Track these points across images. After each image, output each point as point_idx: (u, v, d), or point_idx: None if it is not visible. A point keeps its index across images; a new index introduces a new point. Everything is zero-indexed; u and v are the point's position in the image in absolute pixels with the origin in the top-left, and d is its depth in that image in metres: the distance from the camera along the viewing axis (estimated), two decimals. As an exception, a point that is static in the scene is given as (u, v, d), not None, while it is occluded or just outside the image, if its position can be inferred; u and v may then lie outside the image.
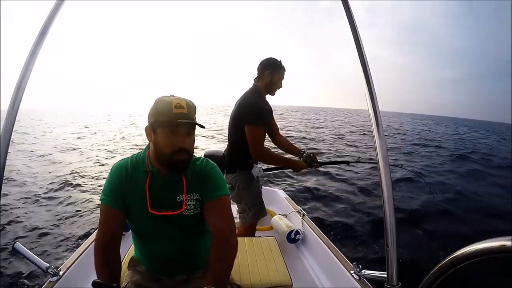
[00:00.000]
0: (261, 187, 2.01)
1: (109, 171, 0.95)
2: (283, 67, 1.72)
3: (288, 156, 1.99)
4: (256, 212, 1.77)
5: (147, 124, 0.90)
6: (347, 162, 2.09)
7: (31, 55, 0.98)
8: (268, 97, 1.79)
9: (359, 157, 2.14)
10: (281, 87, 1.77)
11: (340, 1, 1.00)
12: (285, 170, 2.17)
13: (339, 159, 2.19)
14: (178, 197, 0.91)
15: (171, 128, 0.85)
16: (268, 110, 1.77)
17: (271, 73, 1.69)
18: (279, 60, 1.72)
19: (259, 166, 1.81)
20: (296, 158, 1.94)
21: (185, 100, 0.87)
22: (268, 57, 1.74)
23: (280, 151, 2.08)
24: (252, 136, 1.62)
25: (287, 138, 2.06)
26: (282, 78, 1.74)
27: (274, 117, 1.91)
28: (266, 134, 1.84)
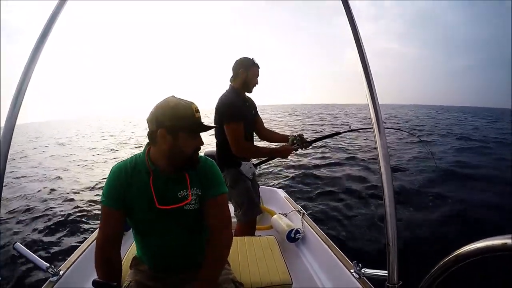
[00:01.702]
0: (258, 186, 2.01)
1: (108, 173, 0.96)
2: (256, 64, 1.78)
3: (271, 145, 1.99)
4: (246, 210, 1.78)
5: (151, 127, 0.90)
6: (338, 133, 2.10)
7: (32, 58, 0.97)
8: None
9: (350, 126, 2.12)
10: (257, 83, 1.81)
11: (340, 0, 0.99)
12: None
13: (328, 133, 2.16)
14: (179, 193, 0.94)
15: (194, 132, 0.90)
16: (248, 106, 1.82)
17: (245, 71, 1.75)
18: (251, 58, 1.78)
19: (249, 162, 1.83)
20: (282, 144, 1.94)
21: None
22: (241, 56, 1.79)
23: (269, 143, 2.10)
24: (231, 134, 1.67)
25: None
26: (257, 75, 1.80)
27: (258, 112, 1.94)
28: (253, 131, 1.90)
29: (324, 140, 2.21)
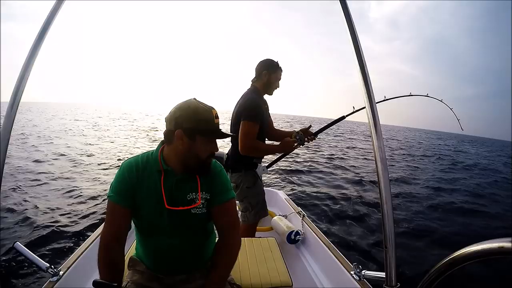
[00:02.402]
0: (263, 187, 2.02)
1: (119, 168, 0.96)
2: (280, 67, 1.77)
3: (275, 143, 1.95)
4: (258, 211, 1.79)
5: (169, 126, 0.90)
6: (342, 118, 2.06)
7: (31, 55, 0.98)
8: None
9: (353, 106, 2.08)
10: (278, 87, 1.81)
11: (339, 2, 1.00)
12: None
13: (333, 120, 2.11)
14: (188, 195, 0.94)
15: (211, 137, 0.91)
16: (265, 108, 1.81)
17: (268, 73, 1.74)
18: (276, 61, 1.77)
19: (262, 165, 1.84)
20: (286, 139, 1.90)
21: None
22: (265, 58, 1.78)
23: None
24: (245, 131, 1.64)
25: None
26: (279, 78, 1.79)
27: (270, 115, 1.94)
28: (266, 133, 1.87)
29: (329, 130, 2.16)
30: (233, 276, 1.10)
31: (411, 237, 3.44)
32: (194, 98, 0.92)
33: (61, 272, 1.23)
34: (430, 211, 4.57)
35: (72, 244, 2.97)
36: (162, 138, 0.95)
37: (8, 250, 2.71)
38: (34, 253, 1.17)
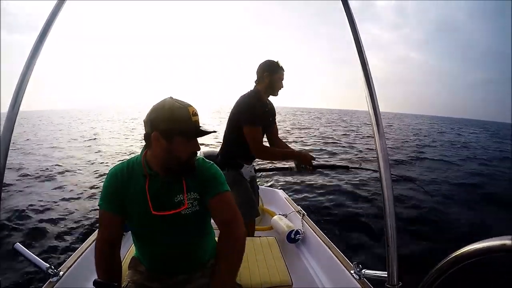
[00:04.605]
0: (258, 188, 2.00)
1: (106, 176, 0.95)
2: (281, 67, 1.75)
3: (288, 150, 1.94)
4: (244, 212, 1.78)
5: (147, 128, 0.87)
6: (346, 167, 2.04)
7: (32, 57, 0.97)
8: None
9: (361, 163, 2.05)
10: (282, 87, 1.79)
11: (340, 1, 0.99)
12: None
13: (337, 164, 2.10)
14: (175, 198, 0.92)
15: (189, 137, 0.87)
16: (267, 112, 1.80)
17: (269, 74, 1.72)
18: (276, 61, 1.75)
19: (250, 166, 1.82)
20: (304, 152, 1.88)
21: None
22: (266, 59, 1.77)
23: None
24: (251, 136, 1.66)
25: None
26: (282, 79, 1.77)
27: (276, 120, 1.92)
28: (265, 137, 1.86)
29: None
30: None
31: (414, 235, 3.44)
32: (170, 97, 0.88)
33: (61, 273, 1.23)
34: (434, 208, 4.55)
35: (72, 245, 2.96)
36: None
37: (8, 251, 2.71)
38: (34, 254, 1.17)
